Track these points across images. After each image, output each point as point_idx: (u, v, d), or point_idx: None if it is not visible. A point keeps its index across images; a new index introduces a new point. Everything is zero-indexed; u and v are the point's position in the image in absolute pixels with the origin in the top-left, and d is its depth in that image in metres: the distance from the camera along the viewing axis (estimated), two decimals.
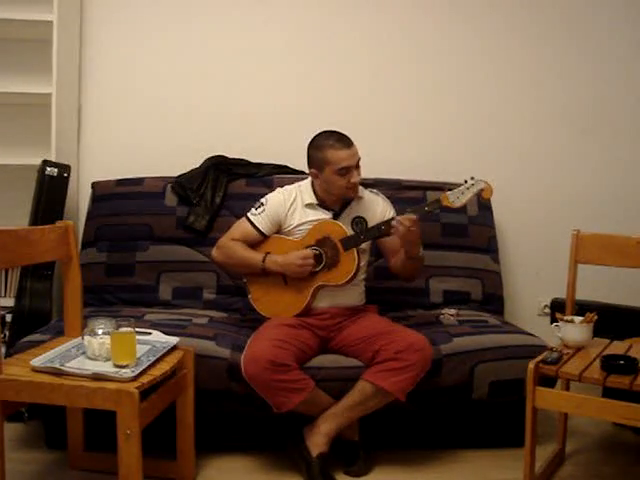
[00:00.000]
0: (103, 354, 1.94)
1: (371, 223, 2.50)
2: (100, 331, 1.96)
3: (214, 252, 2.57)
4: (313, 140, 2.48)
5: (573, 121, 3.34)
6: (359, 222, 2.52)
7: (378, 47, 3.26)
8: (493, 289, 3.02)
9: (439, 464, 2.40)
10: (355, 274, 2.43)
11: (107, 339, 1.94)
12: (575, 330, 2.20)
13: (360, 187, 2.52)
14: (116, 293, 2.87)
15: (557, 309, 2.51)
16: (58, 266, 2.73)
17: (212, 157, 3.06)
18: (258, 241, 2.52)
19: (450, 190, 2.40)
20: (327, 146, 2.41)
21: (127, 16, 3.15)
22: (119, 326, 1.93)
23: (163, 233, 2.92)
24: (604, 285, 2.97)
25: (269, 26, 3.21)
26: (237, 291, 2.85)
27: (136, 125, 3.19)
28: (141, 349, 2.02)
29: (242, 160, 3.10)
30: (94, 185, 3.02)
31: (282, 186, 2.61)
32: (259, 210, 2.51)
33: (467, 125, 3.31)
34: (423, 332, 2.37)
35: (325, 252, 2.44)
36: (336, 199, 2.51)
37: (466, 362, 2.38)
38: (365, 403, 2.26)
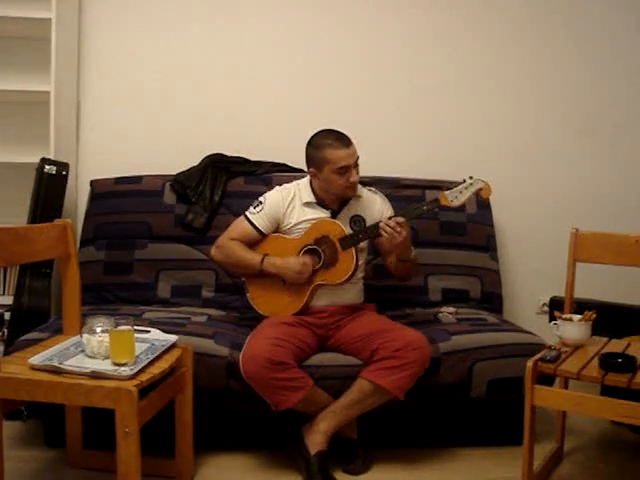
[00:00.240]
0: (102, 352, 1.94)
1: (369, 222, 2.49)
2: (99, 329, 1.95)
3: (213, 251, 2.57)
4: (312, 139, 2.48)
5: (572, 120, 3.34)
6: (357, 221, 2.52)
7: (377, 46, 3.26)
8: (492, 287, 3.02)
9: (438, 462, 2.40)
10: (353, 273, 2.43)
11: (106, 337, 1.93)
12: (573, 328, 2.20)
13: (359, 186, 2.52)
14: (115, 291, 2.87)
15: (556, 307, 2.52)
16: (57, 264, 2.73)
17: (211, 155, 3.06)
18: (257, 240, 2.52)
19: (449, 189, 2.40)
20: (326, 145, 2.40)
21: (126, 14, 3.15)
22: (118, 324, 1.93)
23: (162, 231, 2.92)
24: (603, 283, 2.96)
25: (268, 25, 3.20)
26: (236, 289, 2.85)
27: (135, 123, 3.19)
28: (140, 347, 2.01)
29: (241, 158, 3.10)
30: (93, 183, 3.02)
31: (281, 184, 2.60)
32: (257, 209, 2.51)
33: (466, 124, 3.31)
34: (422, 330, 2.38)
35: (323, 251, 2.44)
36: (335, 198, 2.51)
37: (465, 360, 2.38)
38: (363, 401, 2.26)
